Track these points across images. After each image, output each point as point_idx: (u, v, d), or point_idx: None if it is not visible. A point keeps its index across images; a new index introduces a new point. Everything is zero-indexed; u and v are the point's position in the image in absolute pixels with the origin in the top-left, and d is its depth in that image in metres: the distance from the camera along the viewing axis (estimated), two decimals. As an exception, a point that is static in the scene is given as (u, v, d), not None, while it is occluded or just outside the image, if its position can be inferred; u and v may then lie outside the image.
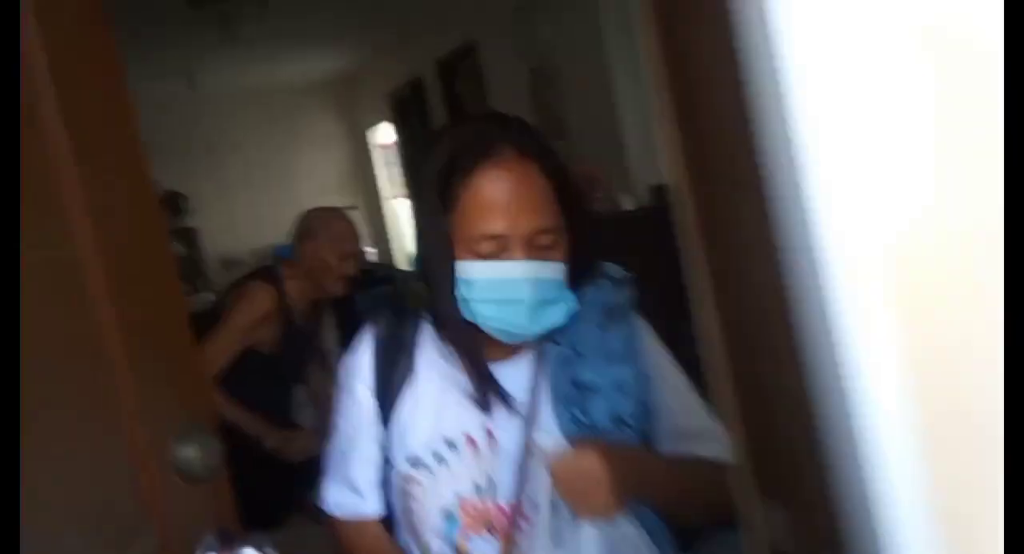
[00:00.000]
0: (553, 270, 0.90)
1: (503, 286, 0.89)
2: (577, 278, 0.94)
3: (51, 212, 0.72)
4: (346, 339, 1.21)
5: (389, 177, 6.63)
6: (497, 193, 0.88)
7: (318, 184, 6.66)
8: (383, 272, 6.78)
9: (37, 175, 0.70)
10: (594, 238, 0.98)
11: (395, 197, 6.61)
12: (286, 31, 4.19)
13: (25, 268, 0.62)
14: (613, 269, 0.99)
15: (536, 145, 0.92)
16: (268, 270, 2.23)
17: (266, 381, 2.18)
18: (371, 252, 6.86)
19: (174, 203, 6.24)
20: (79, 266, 0.74)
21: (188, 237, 6.38)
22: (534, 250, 0.89)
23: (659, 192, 3.05)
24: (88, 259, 0.75)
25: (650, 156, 3.19)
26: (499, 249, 0.88)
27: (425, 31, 4.92)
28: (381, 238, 7.01)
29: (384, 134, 6.37)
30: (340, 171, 6.88)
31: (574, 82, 3.48)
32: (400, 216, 6.60)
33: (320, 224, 2.20)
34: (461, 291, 0.91)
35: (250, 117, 6.56)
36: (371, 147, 6.74)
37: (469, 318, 0.92)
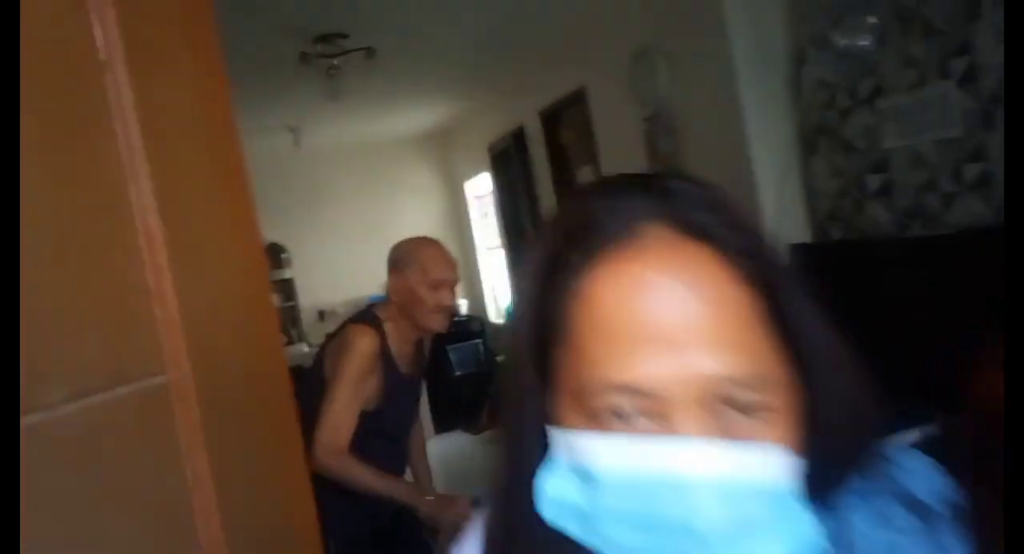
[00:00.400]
0: (764, 462, 0.45)
1: (655, 494, 0.44)
2: (825, 478, 0.50)
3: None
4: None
5: (484, 228, 6.51)
6: (639, 308, 0.46)
7: (413, 234, 6.61)
8: (476, 325, 6.69)
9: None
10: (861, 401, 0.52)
11: (489, 248, 6.48)
12: (390, 85, 4.15)
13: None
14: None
15: (720, 222, 0.51)
16: (363, 314, 2.03)
17: (381, 442, 1.97)
18: (463, 303, 6.74)
19: (274, 255, 6.30)
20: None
21: (286, 288, 6.42)
22: (721, 421, 0.45)
23: (799, 253, 2.74)
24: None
25: (790, 216, 2.88)
26: (647, 415, 0.46)
27: (529, 78, 4.81)
28: (475, 290, 6.88)
29: (481, 185, 6.28)
30: (436, 222, 6.81)
31: (698, 133, 3.23)
32: (493, 267, 6.45)
33: (407, 254, 2.00)
34: (560, 493, 0.49)
35: (349, 169, 6.62)
36: (468, 198, 6.66)
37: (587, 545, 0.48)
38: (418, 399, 2.21)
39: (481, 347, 6.46)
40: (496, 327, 6.53)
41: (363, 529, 1.90)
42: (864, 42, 2.37)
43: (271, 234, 6.30)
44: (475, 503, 1.87)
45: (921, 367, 2.41)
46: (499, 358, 6.41)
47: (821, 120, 2.78)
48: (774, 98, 2.92)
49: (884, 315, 2.53)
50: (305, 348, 6.32)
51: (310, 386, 1.96)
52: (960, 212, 2.38)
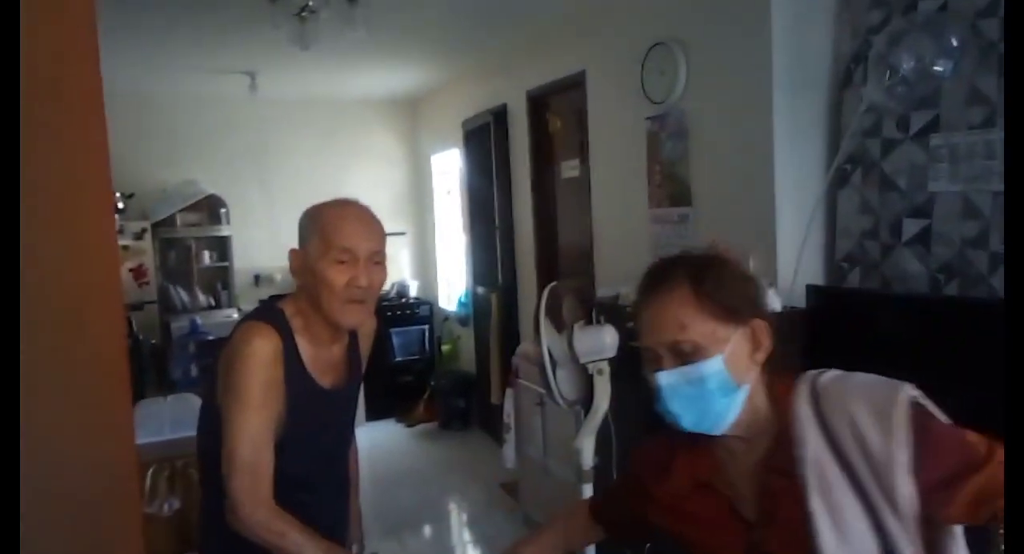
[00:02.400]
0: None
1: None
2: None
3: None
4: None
5: (447, 207, 6.07)
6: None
7: (370, 205, 6.13)
8: (424, 310, 6.27)
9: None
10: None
11: (450, 230, 6.05)
12: (368, 40, 3.67)
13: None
14: None
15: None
16: (262, 309, 1.49)
17: (289, 491, 1.41)
18: (413, 285, 6.31)
19: (212, 208, 5.73)
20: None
21: (221, 246, 5.86)
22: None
23: (819, 296, 2.43)
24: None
25: (812, 246, 2.57)
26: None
27: (521, 53, 4.38)
28: (428, 272, 6.45)
29: (450, 161, 5.83)
30: (395, 194, 6.34)
31: (712, 141, 2.88)
32: (453, 249, 6.04)
33: (310, 220, 1.45)
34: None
35: (307, 126, 6.07)
36: (433, 173, 6.20)
37: None
38: (351, 420, 1.62)
39: (426, 334, 6.06)
40: (445, 314, 6.13)
41: None
42: (939, 67, 2.05)
43: (210, 185, 5.72)
44: None
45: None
46: (444, 347, 6.02)
47: (860, 150, 2.47)
48: (810, 117, 2.59)
49: (901, 378, 2.25)
50: (235, 314, 5.80)
51: (206, 415, 1.46)
52: (1010, 276, 2.10)
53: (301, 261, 1.43)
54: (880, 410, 1.00)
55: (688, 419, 1.07)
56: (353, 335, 1.57)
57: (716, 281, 1.05)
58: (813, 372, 1.10)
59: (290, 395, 1.41)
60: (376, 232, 1.46)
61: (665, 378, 1.05)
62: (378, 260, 1.45)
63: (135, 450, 1.43)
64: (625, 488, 1.31)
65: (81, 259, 1.40)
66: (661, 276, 1.07)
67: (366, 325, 1.59)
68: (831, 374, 1.09)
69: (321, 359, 1.48)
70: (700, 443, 1.12)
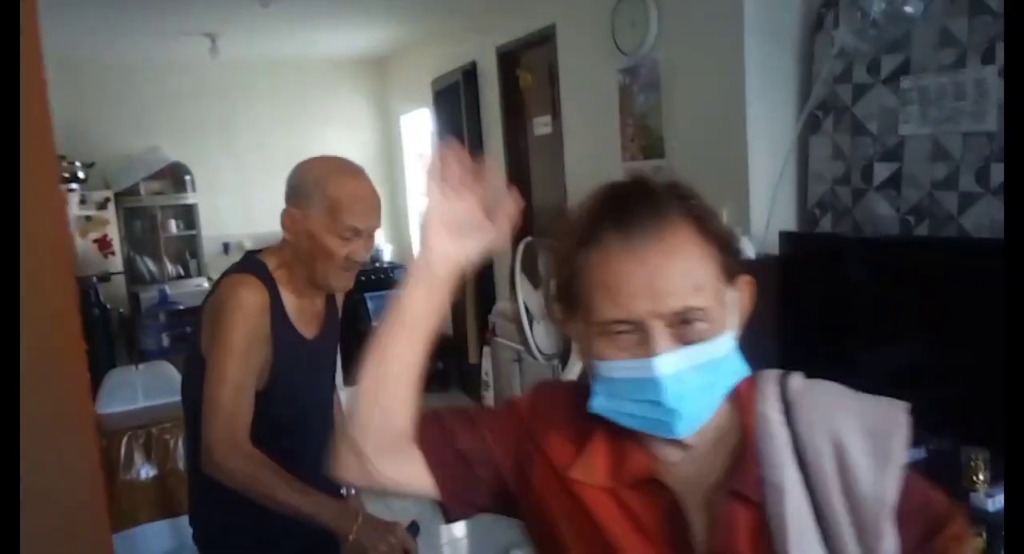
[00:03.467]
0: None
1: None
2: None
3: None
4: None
5: (418, 169, 6.00)
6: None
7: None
8: (399, 273, 6.23)
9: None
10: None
11: (422, 192, 5.98)
12: (331, 1, 3.56)
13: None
14: None
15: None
16: (244, 262, 1.51)
17: (275, 436, 1.44)
18: (387, 249, 6.26)
19: (177, 176, 5.61)
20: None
21: (187, 215, 5.75)
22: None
23: (792, 242, 2.45)
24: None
25: (781, 199, 2.57)
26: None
27: (489, 9, 4.30)
28: (401, 235, 6.40)
29: (420, 122, 5.74)
30: (364, 157, 6.18)
31: (684, 92, 2.86)
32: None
33: (314, 184, 1.43)
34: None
35: (272, 88, 5.93)
36: (402, 135, 6.11)
37: None
38: (333, 370, 1.68)
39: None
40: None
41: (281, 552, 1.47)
42: (910, 8, 2.04)
43: (174, 153, 5.59)
44: (413, 530, 1.49)
45: (898, 381, 2.20)
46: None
47: (831, 95, 2.47)
48: (781, 63, 2.58)
49: (869, 321, 2.29)
50: (205, 283, 5.72)
51: (191, 368, 1.47)
52: (978, 217, 2.13)
53: (299, 224, 1.43)
54: (877, 432, 0.76)
55: (688, 423, 0.76)
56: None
57: (715, 218, 0.77)
58: (776, 371, 0.84)
59: (275, 344, 1.44)
60: (379, 209, 1.48)
61: (670, 365, 0.73)
62: (373, 233, 1.49)
63: (94, 420, 1.40)
64: (499, 432, 0.86)
65: (25, 226, 1.35)
66: (647, 207, 0.74)
67: None
68: (802, 379, 0.84)
69: (303, 310, 1.51)
70: (631, 439, 0.81)
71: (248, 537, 1.45)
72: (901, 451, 0.76)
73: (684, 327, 0.73)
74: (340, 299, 1.67)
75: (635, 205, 0.75)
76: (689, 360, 0.73)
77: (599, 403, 0.78)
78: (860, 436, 0.76)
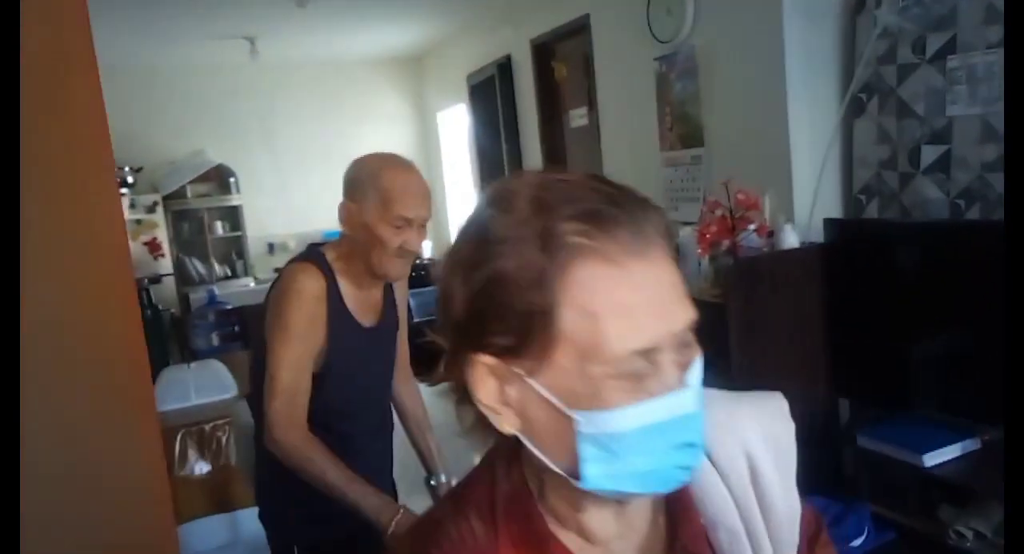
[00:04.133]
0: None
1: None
2: None
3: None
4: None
5: (456, 164, 6.03)
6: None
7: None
8: (439, 269, 6.25)
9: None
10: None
11: (460, 187, 6.01)
12: (365, 0, 3.61)
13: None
14: None
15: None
16: (307, 252, 1.59)
17: (329, 419, 1.52)
18: (427, 245, 6.31)
19: (222, 178, 5.73)
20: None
21: (233, 216, 5.87)
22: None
23: (838, 229, 2.39)
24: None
25: (825, 185, 2.52)
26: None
27: (522, 2, 4.29)
28: (441, 231, 6.43)
29: (456, 117, 5.76)
30: (404, 153, 6.18)
31: (724, 78, 2.81)
32: (465, 207, 6.01)
33: (368, 178, 1.51)
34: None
35: (311, 89, 6.01)
36: (439, 130, 6.14)
37: None
38: (391, 359, 1.70)
39: (443, 293, 6.08)
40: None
41: (335, 529, 1.50)
42: (955, -14, 1.98)
43: (218, 155, 5.71)
44: None
45: (944, 367, 2.13)
46: (461, 306, 6.04)
47: (875, 76, 2.40)
48: (823, 45, 2.52)
49: (919, 309, 2.23)
50: (251, 283, 5.84)
51: (258, 353, 1.55)
52: (1033, 198, 2.05)
53: (355, 216, 1.50)
54: (773, 436, 0.68)
55: (698, 459, 0.62)
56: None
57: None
58: None
59: (331, 330, 1.51)
60: (429, 200, 1.54)
61: (697, 396, 0.59)
62: (425, 224, 1.54)
63: (156, 417, 1.45)
64: None
65: (87, 233, 1.40)
66: (643, 214, 0.58)
67: None
68: None
69: (361, 300, 1.58)
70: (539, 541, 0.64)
71: (307, 514, 1.51)
72: (794, 451, 0.69)
73: (683, 349, 0.58)
74: (401, 291, 1.72)
75: (633, 204, 0.58)
76: (698, 388, 0.59)
77: (595, 474, 0.57)
78: (763, 446, 0.67)
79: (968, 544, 1.93)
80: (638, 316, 0.55)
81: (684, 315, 0.57)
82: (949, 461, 2.01)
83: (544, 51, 4.21)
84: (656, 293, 0.56)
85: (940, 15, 2.16)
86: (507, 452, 0.65)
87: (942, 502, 2.04)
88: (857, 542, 2.03)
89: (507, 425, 0.60)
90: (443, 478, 1.76)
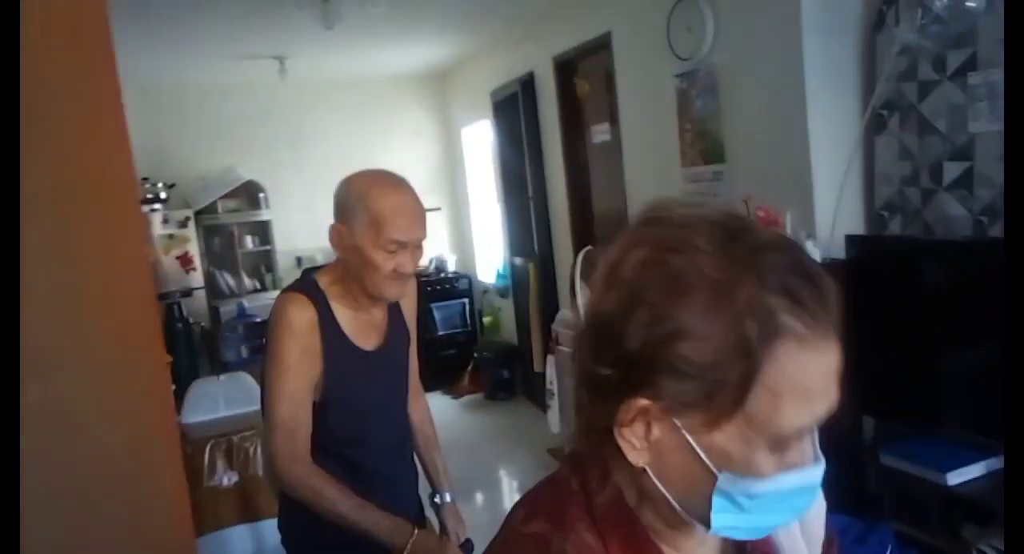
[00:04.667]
0: None
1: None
2: None
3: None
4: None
5: (480, 180, 6.09)
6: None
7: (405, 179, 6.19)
8: (463, 283, 6.32)
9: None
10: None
11: (484, 202, 6.07)
12: (391, 17, 3.68)
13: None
14: None
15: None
16: (299, 280, 1.56)
17: (336, 446, 1.51)
18: (451, 260, 6.36)
19: (251, 194, 5.85)
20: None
21: (262, 231, 5.99)
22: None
23: (859, 245, 2.39)
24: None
25: (847, 202, 2.52)
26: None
27: (545, 19, 4.34)
28: (465, 245, 6.49)
29: (480, 133, 5.83)
30: (428, 169, 6.36)
31: (743, 96, 2.83)
32: (488, 221, 6.06)
33: (356, 199, 1.44)
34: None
35: (338, 106, 6.12)
36: (464, 146, 6.21)
37: None
38: (399, 379, 1.65)
39: (467, 307, 6.12)
40: (484, 287, 6.17)
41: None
42: (972, 3, 1.99)
43: (248, 172, 5.83)
44: (467, 549, 1.53)
45: (968, 385, 2.12)
46: (485, 319, 6.08)
47: (896, 93, 2.41)
48: (843, 63, 2.53)
49: (943, 326, 2.22)
50: (280, 295, 5.93)
51: (264, 380, 1.53)
52: (1057, 215, 2.04)
53: (345, 239, 1.46)
54: None
55: None
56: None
57: None
58: None
59: (329, 358, 1.47)
60: (423, 220, 1.49)
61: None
62: (420, 244, 1.50)
63: (175, 423, 1.46)
64: None
65: (111, 246, 1.42)
66: (831, 290, 0.60)
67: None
68: None
69: (361, 322, 1.54)
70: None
71: (331, 540, 1.49)
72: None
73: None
74: (410, 307, 1.67)
75: (819, 276, 0.58)
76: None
77: (722, 525, 0.61)
78: None
79: (992, 564, 1.91)
80: (814, 400, 0.57)
81: (837, 395, 0.59)
82: (973, 480, 2.00)
83: (566, 68, 4.26)
84: (830, 378, 0.58)
85: (959, 33, 2.16)
86: (600, 465, 0.65)
87: (966, 521, 2.03)
88: (879, 560, 2.02)
89: (640, 460, 0.61)
90: (448, 497, 1.73)
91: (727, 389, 0.55)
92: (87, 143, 1.27)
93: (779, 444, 0.58)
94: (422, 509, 1.73)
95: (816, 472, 0.61)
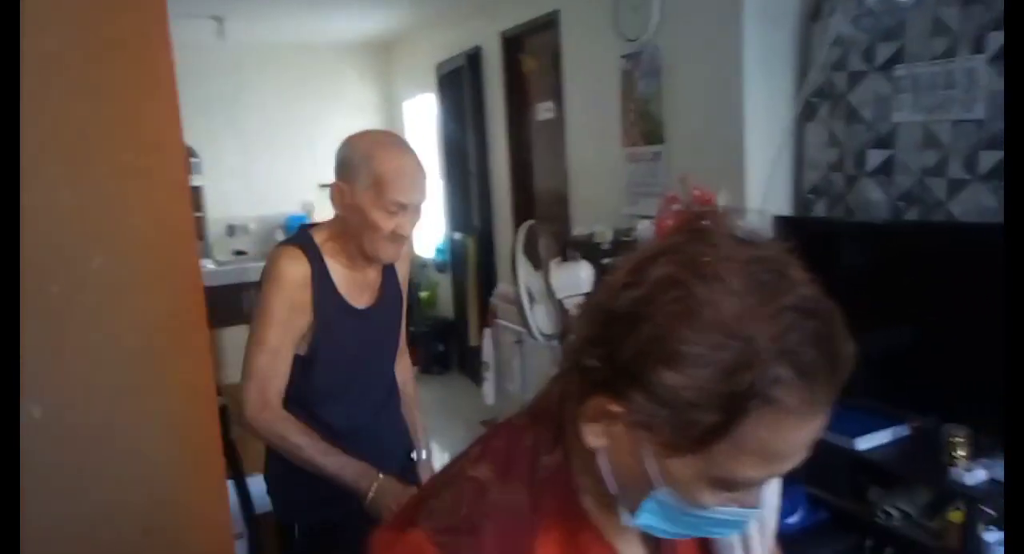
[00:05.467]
0: None
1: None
2: None
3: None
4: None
5: (422, 153, 6.05)
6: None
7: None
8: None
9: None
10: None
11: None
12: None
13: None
14: None
15: None
16: (295, 235, 1.57)
17: (320, 399, 1.54)
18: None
19: (184, 158, 5.67)
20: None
21: (193, 197, 5.81)
22: None
23: (786, 226, 2.52)
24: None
25: (777, 185, 2.64)
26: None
27: (492, 1, 4.35)
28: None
29: (424, 106, 5.79)
30: (369, 142, 6.28)
31: (685, 78, 2.92)
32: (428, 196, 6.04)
33: (362, 159, 1.46)
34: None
35: (278, 72, 5.97)
36: (406, 119, 6.16)
37: None
38: (389, 340, 1.67)
39: (404, 281, 6.10)
40: (422, 261, 6.17)
41: (334, 511, 1.50)
42: (902, -1, 2.10)
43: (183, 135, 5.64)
44: None
45: (877, 358, 2.27)
46: (422, 294, 6.08)
47: (827, 82, 2.53)
48: (780, 51, 2.63)
49: (859, 303, 2.35)
50: (210, 265, 5.78)
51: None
52: (966, 203, 2.19)
53: (347, 198, 1.47)
54: None
55: None
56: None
57: None
58: None
59: (320, 313, 1.49)
60: (424, 183, 1.52)
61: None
62: (420, 208, 1.52)
63: (213, 375, 1.42)
64: None
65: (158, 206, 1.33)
66: (847, 362, 0.59)
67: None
68: None
69: (354, 281, 1.56)
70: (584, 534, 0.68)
71: (309, 494, 1.51)
72: None
73: None
74: (404, 269, 1.70)
75: (839, 348, 0.56)
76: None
77: (647, 523, 0.64)
78: None
79: (894, 523, 2.06)
80: (779, 462, 0.57)
81: (806, 455, 0.58)
82: (880, 446, 2.15)
83: (513, 44, 4.28)
84: (804, 445, 0.57)
85: (889, 26, 2.28)
86: (556, 428, 0.66)
87: (872, 484, 2.17)
88: (791, 520, 2.15)
89: (595, 443, 0.62)
90: (424, 454, 1.78)
91: (695, 430, 0.55)
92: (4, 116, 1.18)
93: (728, 486, 0.59)
94: (411, 465, 1.75)
95: (751, 513, 0.62)
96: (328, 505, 1.49)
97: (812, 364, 0.54)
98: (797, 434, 0.56)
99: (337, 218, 1.54)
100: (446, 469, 0.70)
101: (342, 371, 1.56)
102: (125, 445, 1.30)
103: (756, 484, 0.60)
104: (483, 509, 0.63)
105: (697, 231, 0.59)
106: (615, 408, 0.58)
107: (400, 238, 1.50)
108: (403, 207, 1.46)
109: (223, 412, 1.86)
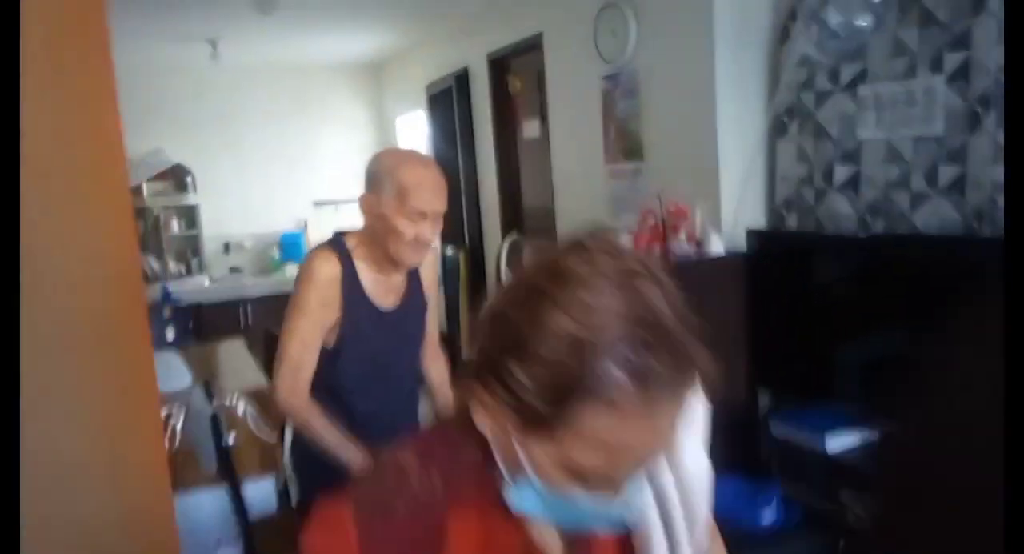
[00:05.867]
0: None
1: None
2: None
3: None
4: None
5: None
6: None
7: (336, 171, 6.21)
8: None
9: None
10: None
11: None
12: (328, 4, 3.73)
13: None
14: None
15: None
16: (330, 240, 1.73)
17: (338, 390, 1.69)
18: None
19: (178, 177, 5.77)
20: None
21: (189, 215, 5.91)
22: None
23: (759, 239, 2.62)
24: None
25: (750, 199, 2.75)
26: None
27: (481, 17, 4.47)
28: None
29: (414, 124, 5.91)
30: (363, 159, 6.37)
31: (661, 99, 3.03)
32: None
33: (386, 172, 1.63)
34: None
35: (271, 92, 6.10)
36: (397, 136, 6.28)
37: None
38: (412, 341, 1.84)
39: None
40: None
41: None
42: (862, 22, 2.22)
43: (176, 154, 5.76)
44: None
45: (849, 365, 2.36)
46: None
47: (796, 101, 2.64)
48: (750, 72, 2.75)
49: (830, 312, 2.46)
50: (206, 281, 5.87)
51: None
52: (928, 215, 2.30)
53: (374, 207, 1.64)
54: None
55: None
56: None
57: None
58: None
59: (346, 311, 1.65)
60: (444, 194, 1.67)
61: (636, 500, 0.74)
62: (441, 216, 1.67)
63: (157, 393, 1.50)
64: None
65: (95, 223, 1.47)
66: (692, 374, 0.65)
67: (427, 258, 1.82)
68: None
69: (380, 283, 1.72)
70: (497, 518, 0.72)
71: (324, 468, 1.62)
72: (701, 416, 0.81)
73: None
74: (430, 275, 1.86)
75: (684, 360, 0.61)
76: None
77: (527, 506, 0.69)
78: None
79: (864, 524, 2.15)
80: (624, 455, 0.63)
81: (662, 449, 0.65)
82: (850, 449, 2.24)
83: (500, 65, 4.40)
84: (648, 445, 0.64)
85: (852, 48, 2.40)
86: (467, 415, 0.71)
87: (843, 486, 2.26)
88: (766, 520, 2.23)
89: (484, 427, 0.69)
90: None
91: (536, 416, 0.62)
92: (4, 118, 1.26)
93: (580, 475, 0.63)
94: None
95: (617, 507, 0.66)
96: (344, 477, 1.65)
97: (646, 369, 0.59)
98: (635, 432, 0.61)
99: (366, 226, 1.70)
100: (383, 452, 0.77)
101: (364, 365, 1.71)
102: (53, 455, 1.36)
103: (609, 477, 0.64)
104: (400, 492, 0.68)
105: (578, 246, 0.65)
106: (484, 396, 0.66)
107: (422, 244, 1.65)
108: (424, 215, 1.62)
109: (215, 421, 1.97)
